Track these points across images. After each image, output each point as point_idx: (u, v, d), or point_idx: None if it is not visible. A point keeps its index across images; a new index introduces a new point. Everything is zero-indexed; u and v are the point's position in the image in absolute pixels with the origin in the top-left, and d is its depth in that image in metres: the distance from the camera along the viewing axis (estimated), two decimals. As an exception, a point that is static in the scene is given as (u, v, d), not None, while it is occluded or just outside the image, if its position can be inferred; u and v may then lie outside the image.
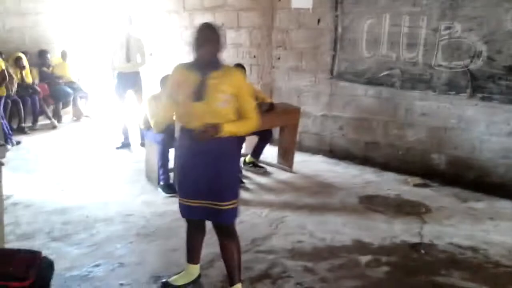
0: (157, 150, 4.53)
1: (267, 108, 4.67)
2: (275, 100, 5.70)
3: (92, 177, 4.99)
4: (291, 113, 5.32)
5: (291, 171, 5.28)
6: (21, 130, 6.79)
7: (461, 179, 4.84)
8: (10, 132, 6.24)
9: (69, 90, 7.64)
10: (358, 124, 5.60)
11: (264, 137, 5.08)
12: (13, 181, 4.70)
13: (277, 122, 5.13)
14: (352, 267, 3.23)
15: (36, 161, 5.51)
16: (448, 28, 4.73)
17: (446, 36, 4.76)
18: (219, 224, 2.69)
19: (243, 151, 4.96)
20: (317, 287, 2.97)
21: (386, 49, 5.20)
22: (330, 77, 5.72)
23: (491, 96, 4.58)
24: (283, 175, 5.19)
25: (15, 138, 6.27)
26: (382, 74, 5.27)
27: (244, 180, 4.82)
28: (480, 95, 4.65)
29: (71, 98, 7.75)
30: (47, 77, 7.51)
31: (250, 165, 5.26)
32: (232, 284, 2.75)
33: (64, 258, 3.22)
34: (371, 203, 4.40)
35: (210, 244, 3.14)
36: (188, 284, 2.90)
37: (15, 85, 6.74)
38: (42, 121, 7.27)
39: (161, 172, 4.54)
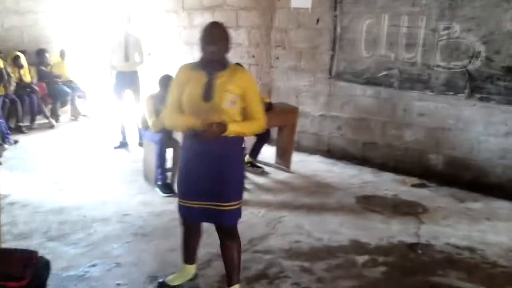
0: (155, 150, 4.52)
1: (265, 108, 4.65)
2: (274, 100, 5.70)
3: (90, 176, 4.98)
4: (290, 113, 5.32)
5: (289, 171, 5.28)
6: (18, 130, 6.77)
7: (458, 180, 4.85)
8: (8, 131, 6.22)
9: (67, 89, 7.63)
10: (356, 124, 5.60)
11: (262, 137, 5.07)
12: (10, 180, 4.70)
13: (276, 122, 5.12)
14: (349, 267, 3.23)
15: (34, 161, 5.50)
16: (447, 28, 4.73)
17: (445, 36, 4.76)
18: (222, 225, 2.64)
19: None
20: (314, 287, 2.97)
21: (384, 49, 5.20)
22: (329, 77, 5.72)
23: (489, 96, 4.59)
24: (281, 175, 5.19)
25: (13, 138, 6.26)
26: (381, 74, 5.27)
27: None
28: (478, 95, 4.66)
29: (69, 98, 7.74)
30: (46, 76, 7.50)
31: (248, 165, 5.25)
32: (231, 284, 2.74)
33: (61, 258, 3.21)
34: (369, 203, 4.40)
35: (207, 244, 3.16)
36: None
37: (13, 84, 6.74)
38: (40, 120, 7.26)
39: (158, 172, 4.53)
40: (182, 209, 2.68)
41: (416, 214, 4.18)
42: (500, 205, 4.43)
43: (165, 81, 4.68)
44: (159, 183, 4.54)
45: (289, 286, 2.98)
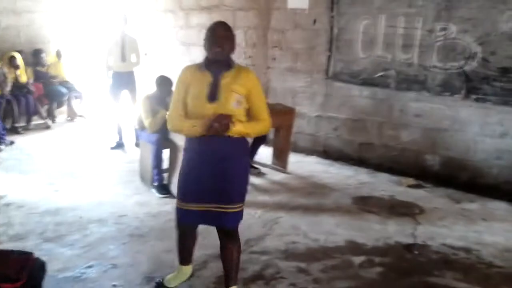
0: (151, 151, 4.51)
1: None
2: (270, 100, 5.69)
3: (86, 177, 4.97)
4: (286, 114, 5.32)
5: (285, 172, 5.29)
6: (14, 130, 6.75)
7: (454, 180, 4.86)
8: (4, 132, 6.20)
9: (63, 89, 7.61)
10: (353, 125, 5.60)
11: (259, 137, 5.06)
12: (6, 181, 4.69)
13: (272, 122, 5.11)
14: (345, 267, 3.24)
15: (30, 161, 5.48)
16: (443, 29, 4.75)
17: (441, 37, 4.77)
18: (224, 227, 2.61)
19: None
20: (310, 288, 2.97)
21: (381, 50, 5.21)
22: (326, 77, 5.73)
23: (485, 97, 4.60)
24: (278, 176, 5.19)
25: (9, 138, 6.23)
26: (377, 75, 5.28)
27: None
28: (474, 96, 4.67)
29: (66, 98, 7.72)
30: (42, 77, 7.48)
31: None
32: (229, 285, 2.73)
33: (57, 259, 3.20)
34: (365, 204, 4.40)
35: (203, 245, 3.15)
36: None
37: (9, 85, 6.72)
38: (36, 121, 7.23)
39: (155, 172, 4.53)
40: (180, 213, 2.63)
41: (412, 214, 4.19)
42: (496, 206, 4.45)
43: (162, 81, 4.68)
44: (156, 184, 4.54)
45: (286, 287, 2.98)
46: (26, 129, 6.99)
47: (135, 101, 6.08)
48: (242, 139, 2.54)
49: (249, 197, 4.45)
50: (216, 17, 6.44)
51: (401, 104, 5.18)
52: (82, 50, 8.39)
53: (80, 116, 7.95)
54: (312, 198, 4.55)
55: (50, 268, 2.73)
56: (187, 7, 6.99)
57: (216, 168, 2.49)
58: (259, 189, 4.78)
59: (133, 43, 6.12)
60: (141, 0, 7.62)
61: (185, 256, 2.88)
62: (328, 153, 5.85)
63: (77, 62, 8.33)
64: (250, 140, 5.05)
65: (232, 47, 2.52)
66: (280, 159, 5.41)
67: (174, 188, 4.44)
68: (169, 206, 4.20)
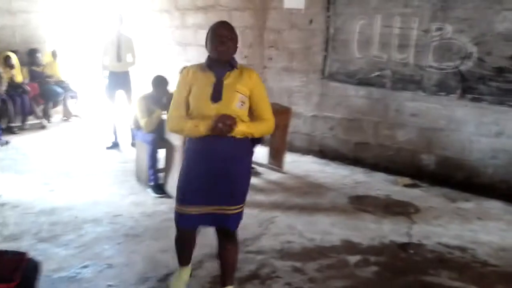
0: (147, 150, 4.51)
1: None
2: (266, 100, 5.69)
3: (81, 177, 4.95)
4: (282, 114, 5.30)
5: (281, 172, 5.28)
6: (10, 130, 6.71)
7: (450, 180, 4.88)
8: (-1, 131, 6.19)
9: (59, 89, 7.58)
10: (349, 125, 5.61)
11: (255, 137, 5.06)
12: (1, 181, 4.67)
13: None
14: (341, 267, 3.24)
15: (25, 161, 5.46)
16: (439, 29, 4.76)
17: (437, 37, 4.78)
18: (226, 229, 2.58)
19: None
20: (306, 287, 2.97)
21: (377, 50, 5.22)
22: (321, 77, 5.73)
23: (481, 97, 4.62)
24: (274, 176, 5.19)
25: (4, 138, 6.21)
26: (373, 74, 5.29)
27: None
28: (470, 96, 4.69)
29: (61, 98, 7.69)
30: (38, 76, 7.44)
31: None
32: (225, 285, 2.71)
33: (52, 259, 3.18)
34: (361, 204, 4.41)
35: (199, 244, 3.12)
36: None
37: (5, 84, 6.69)
38: (31, 120, 7.21)
39: (150, 172, 4.52)
40: (179, 217, 2.56)
41: (408, 214, 4.19)
42: (491, 205, 4.46)
43: (158, 81, 4.67)
44: (151, 183, 4.53)
45: (281, 286, 2.98)
46: (22, 129, 6.96)
47: (130, 101, 6.06)
48: (245, 140, 2.50)
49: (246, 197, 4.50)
50: (212, 17, 6.44)
51: (397, 104, 5.19)
52: (77, 50, 8.36)
53: (76, 116, 7.92)
54: (308, 197, 4.55)
55: (45, 268, 2.72)
56: (183, 7, 6.98)
57: (219, 169, 2.45)
58: (255, 188, 4.77)
59: (128, 43, 6.11)
60: (137, 0, 7.60)
61: (185, 257, 2.82)
62: (324, 153, 5.85)
63: (72, 62, 8.31)
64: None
65: (235, 47, 2.50)
66: (276, 158, 5.41)
67: (169, 188, 4.44)
68: (165, 206, 4.20)
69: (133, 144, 5.76)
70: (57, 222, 3.81)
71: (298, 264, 3.23)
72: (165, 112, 4.45)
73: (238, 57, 2.52)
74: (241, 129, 2.41)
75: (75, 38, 8.32)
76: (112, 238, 3.56)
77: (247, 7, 6.22)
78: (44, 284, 2.75)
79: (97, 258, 3.25)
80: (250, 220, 3.93)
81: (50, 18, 7.90)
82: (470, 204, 4.48)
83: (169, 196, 4.38)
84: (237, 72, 2.49)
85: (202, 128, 2.39)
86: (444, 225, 3.96)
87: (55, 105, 7.75)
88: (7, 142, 6.16)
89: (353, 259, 3.34)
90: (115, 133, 6.19)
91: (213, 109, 2.39)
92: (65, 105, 7.82)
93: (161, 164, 4.63)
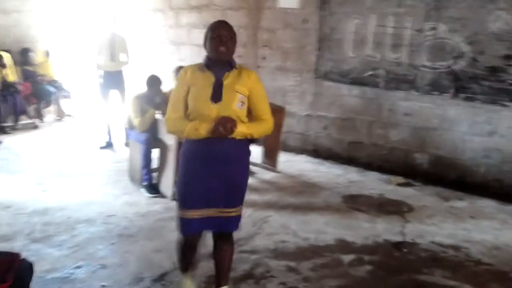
0: (141, 150, 4.49)
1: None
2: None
3: (74, 177, 4.92)
4: (276, 113, 5.18)
5: (275, 171, 5.29)
6: (2, 130, 6.67)
7: (443, 179, 4.90)
8: (-9, 131, 6.14)
9: (51, 89, 7.54)
10: (342, 124, 5.62)
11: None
12: (-7, 181, 4.63)
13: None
14: (335, 266, 3.24)
15: (18, 161, 5.42)
16: (433, 29, 4.78)
17: (431, 37, 4.81)
18: (227, 231, 2.56)
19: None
20: (300, 287, 2.97)
21: (371, 50, 5.24)
22: (315, 77, 5.74)
23: (473, 96, 4.64)
24: (268, 175, 5.19)
25: (-4, 138, 6.18)
26: (367, 74, 5.30)
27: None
28: (463, 95, 4.71)
29: (54, 97, 7.64)
30: (30, 76, 7.40)
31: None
32: (220, 285, 2.69)
33: (45, 260, 3.16)
34: (355, 203, 4.42)
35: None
36: None
37: (-4, 84, 6.65)
38: (24, 120, 7.16)
39: (144, 172, 4.50)
40: (183, 225, 2.48)
41: (401, 213, 4.21)
42: (484, 204, 4.49)
43: (152, 81, 4.66)
44: (145, 183, 4.51)
45: (276, 285, 2.98)
46: (14, 128, 6.91)
47: (124, 100, 6.04)
48: (244, 141, 2.48)
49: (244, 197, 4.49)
50: (206, 16, 6.43)
51: (390, 103, 5.21)
52: (70, 49, 8.32)
53: (69, 115, 7.88)
54: (301, 197, 4.56)
55: (38, 269, 2.71)
56: (177, 6, 6.96)
57: (219, 170, 2.42)
58: (249, 188, 4.65)
59: (122, 42, 6.09)
60: (131, -1, 7.58)
61: (188, 264, 2.72)
62: (318, 152, 5.86)
63: (65, 61, 8.26)
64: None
65: (235, 47, 2.48)
66: (270, 158, 5.41)
67: (163, 188, 4.43)
68: (158, 206, 4.19)
69: (126, 144, 5.73)
70: (50, 222, 3.78)
71: (292, 264, 3.23)
72: (159, 111, 4.44)
73: (233, 57, 2.50)
74: (241, 130, 2.38)
75: (68, 37, 8.28)
76: (105, 238, 3.54)
77: (241, 7, 6.21)
78: (37, 285, 2.73)
79: (90, 258, 3.23)
80: (244, 220, 3.85)
81: (43, 17, 7.86)
82: (463, 203, 4.51)
83: (162, 196, 4.37)
84: (236, 72, 2.47)
85: (203, 131, 2.35)
86: (438, 224, 3.98)
87: (47, 105, 7.71)
88: (-1, 142, 6.12)
89: (347, 258, 3.35)
90: (108, 132, 6.17)
91: (213, 110, 2.36)
92: (58, 105, 7.78)
93: (154, 163, 4.61)
